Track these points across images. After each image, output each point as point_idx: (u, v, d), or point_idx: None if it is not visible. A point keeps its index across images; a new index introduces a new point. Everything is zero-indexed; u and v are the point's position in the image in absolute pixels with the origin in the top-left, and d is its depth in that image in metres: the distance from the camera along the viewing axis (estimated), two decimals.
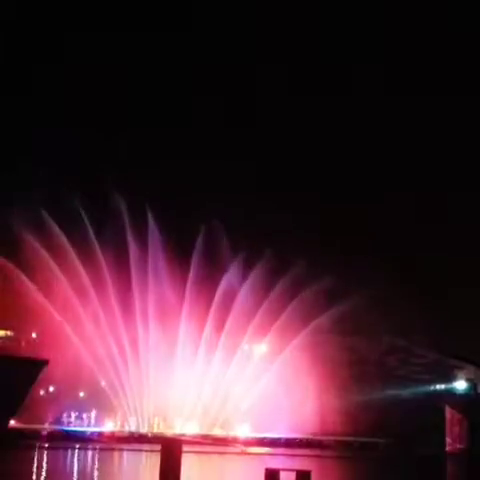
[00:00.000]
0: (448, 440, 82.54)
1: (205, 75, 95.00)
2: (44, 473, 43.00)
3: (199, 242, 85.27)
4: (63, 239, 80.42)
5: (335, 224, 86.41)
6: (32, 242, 78.49)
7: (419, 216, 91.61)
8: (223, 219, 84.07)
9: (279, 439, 79.24)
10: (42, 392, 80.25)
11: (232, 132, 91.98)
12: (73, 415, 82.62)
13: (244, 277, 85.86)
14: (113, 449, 65.55)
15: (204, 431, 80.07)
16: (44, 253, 79.27)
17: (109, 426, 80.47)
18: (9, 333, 78.42)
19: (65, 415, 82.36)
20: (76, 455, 59.57)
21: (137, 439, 74.48)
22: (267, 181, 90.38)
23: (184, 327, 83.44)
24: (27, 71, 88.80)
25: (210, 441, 73.94)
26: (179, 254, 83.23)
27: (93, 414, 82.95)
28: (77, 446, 65.28)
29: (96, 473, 46.38)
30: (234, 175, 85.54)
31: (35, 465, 47.31)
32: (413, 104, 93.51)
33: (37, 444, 64.59)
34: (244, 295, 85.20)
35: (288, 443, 77.81)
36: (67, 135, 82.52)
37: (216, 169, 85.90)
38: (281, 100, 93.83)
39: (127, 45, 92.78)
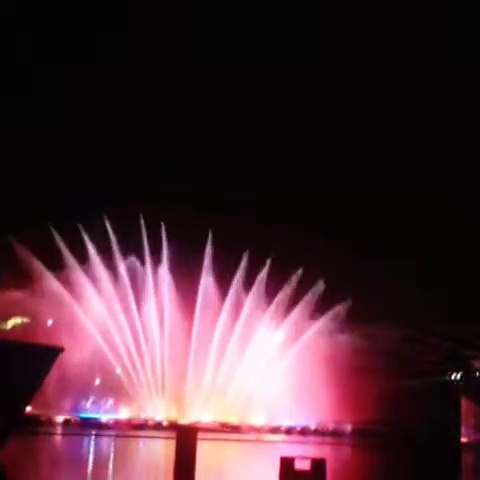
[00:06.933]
0: (464, 431, 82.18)
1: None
2: (60, 460, 43.12)
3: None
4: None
5: (350, 222, 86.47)
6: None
7: (421, 215, 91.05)
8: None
9: (294, 427, 79.31)
10: (57, 379, 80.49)
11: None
12: (89, 402, 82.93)
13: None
14: (129, 436, 65.72)
15: (219, 419, 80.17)
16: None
17: (125, 413, 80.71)
18: (25, 320, 78.60)
19: (81, 402, 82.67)
20: (92, 442, 59.75)
21: (153, 427, 74.68)
22: (268, 181, 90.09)
23: (200, 315, 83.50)
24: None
25: (225, 429, 74.03)
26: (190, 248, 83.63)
27: (109, 401, 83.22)
28: (93, 433, 65.51)
29: (112, 460, 46.47)
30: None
31: (51, 452, 47.47)
32: (413, 104, 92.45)
33: (53, 431, 64.93)
34: (261, 283, 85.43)
35: (303, 431, 77.90)
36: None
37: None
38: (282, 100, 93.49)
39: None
